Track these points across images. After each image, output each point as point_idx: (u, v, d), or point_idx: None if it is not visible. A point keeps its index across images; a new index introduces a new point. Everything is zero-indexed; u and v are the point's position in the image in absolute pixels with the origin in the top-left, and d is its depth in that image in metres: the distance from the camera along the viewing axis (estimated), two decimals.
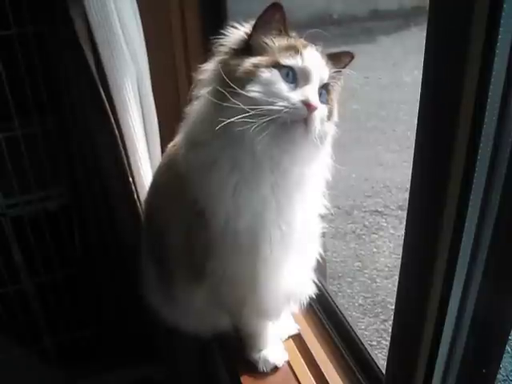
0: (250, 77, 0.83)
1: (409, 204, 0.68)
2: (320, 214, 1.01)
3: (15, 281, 1.59)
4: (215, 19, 1.45)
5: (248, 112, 0.79)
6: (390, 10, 5.62)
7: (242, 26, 0.90)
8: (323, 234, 1.07)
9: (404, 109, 3.92)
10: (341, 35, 4.93)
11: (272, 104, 0.80)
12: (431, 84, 0.59)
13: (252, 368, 1.12)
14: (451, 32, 0.55)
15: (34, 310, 1.64)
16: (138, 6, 1.30)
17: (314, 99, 0.82)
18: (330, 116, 0.89)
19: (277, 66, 0.84)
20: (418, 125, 0.62)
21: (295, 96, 0.82)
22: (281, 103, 0.80)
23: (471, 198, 0.58)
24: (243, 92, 0.81)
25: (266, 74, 0.83)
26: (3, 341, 1.57)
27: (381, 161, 3.44)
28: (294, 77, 0.84)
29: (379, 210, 3.00)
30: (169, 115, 1.19)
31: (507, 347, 0.72)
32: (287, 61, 0.84)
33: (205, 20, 1.47)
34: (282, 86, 0.82)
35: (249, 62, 0.84)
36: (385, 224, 2.88)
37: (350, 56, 0.93)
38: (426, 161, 0.63)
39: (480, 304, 0.65)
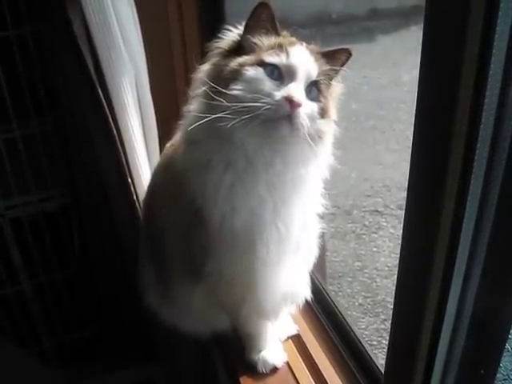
0: (236, 76, 0.84)
1: (406, 203, 0.68)
2: (319, 213, 1.01)
3: (14, 282, 1.59)
4: (213, 19, 1.45)
5: (231, 109, 0.80)
6: (389, 9, 5.60)
7: (237, 28, 0.92)
8: (323, 234, 1.07)
9: (403, 108, 3.91)
10: (340, 34, 4.93)
11: (255, 101, 0.81)
12: (428, 83, 0.59)
13: (251, 369, 1.11)
14: (448, 31, 0.54)
15: (33, 311, 1.64)
16: (136, 7, 1.30)
17: (298, 96, 0.82)
18: (323, 114, 0.88)
19: (262, 64, 0.85)
20: (415, 124, 0.62)
21: (278, 93, 0.82)
22: (264, 100, 0.81)
23: (469, 198, 0.58)
24: (226, 91, 0.82)
25: (251, 71, 0.84)
26: (2, 342, 1.57)
27: (380, 160, 3.44)
28: (280, 74, 0.84)
29: (379, 209, 3.00)
30: (167, 115, 1.18)
31: (507, 346, 0.72)
32: (271, 58, 0.85)
33: (203, 20, 1.47)
34: (267, 84, 0.83)
35: (235, 62, 0.86)
36: (385, 223, 2.88)
37: (347, 53, 0.92)
38: (423, 160, 0.63)
39: (478, 304, 0.65)
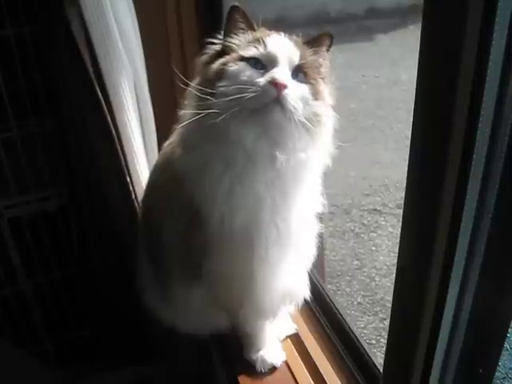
0: (220, 75, 0.87)
1: (405, 202, 0.68)
2: (317, 212, 1.01)
3: (13, 282, 1.59)
4: (212, 18, 1.44)
5: (219, 105, 0.83)
6: (387, 8, 5.61)
7: (218, 38, 0.95)
8: (321, 233, 1.07)
9: (402, 107, 3.91)
10: (338, 33, 4.91)
11: (242, 92, 0.83)
12: (426, 82, 0.59)
13: (250, 368, 1.12)
14: (446, 30, 0.55)
15: (33, 310, 1.64)
16: (134, 6, 1.30)
17: (281, 77, 0.84)
18: (316, 95, 0.89)
19: (243, 59, 0.88)
20: (413, 123, 0.62)
21: (262, 79, 0.84)
22: (249, 90, 0.83)
23: (468, 197, 0.58)
24: (214, 90, 0.85)
25: (234, 67, 0.87)
26: (2, 342, 1.57)
27: (379, 159, 3.44)
28: (262, 65, 0.87)
29: (378, 208, 3.00)
30: (165, 113, 1.18)
31: (506, 345, 0.72)
32: (250, 52, 0.88)
33: (201, 19, 1.46)
34: (251, 74, 0.85)
35: (218, 63, 0.89)
36: (383, 222, 2.89)
37: (329, 36, 0.94)
38: (421, 159, 0.63)
39: (477, 303, 0.65)
